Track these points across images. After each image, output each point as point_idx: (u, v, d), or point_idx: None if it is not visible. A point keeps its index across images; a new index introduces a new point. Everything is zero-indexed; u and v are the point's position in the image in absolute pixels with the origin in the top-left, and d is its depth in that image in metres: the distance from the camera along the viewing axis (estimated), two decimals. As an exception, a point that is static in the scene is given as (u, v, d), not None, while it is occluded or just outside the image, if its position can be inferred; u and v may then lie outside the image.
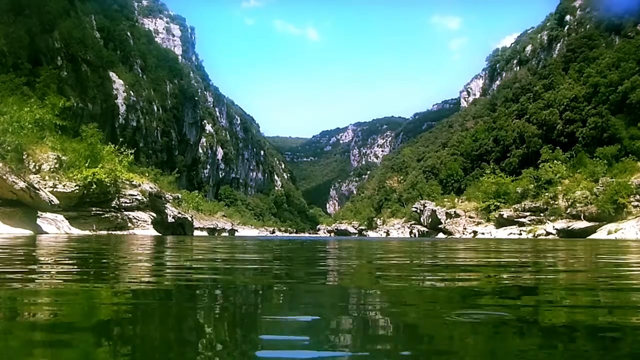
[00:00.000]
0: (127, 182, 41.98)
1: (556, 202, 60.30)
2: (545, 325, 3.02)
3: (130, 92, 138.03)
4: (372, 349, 2.47)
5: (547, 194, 63.02)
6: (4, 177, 25.65)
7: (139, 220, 40.72)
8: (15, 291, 4.15)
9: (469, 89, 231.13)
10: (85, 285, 4.67)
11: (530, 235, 55.68)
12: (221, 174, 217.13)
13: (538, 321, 3.13)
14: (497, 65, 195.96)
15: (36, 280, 4.96)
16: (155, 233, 39.98)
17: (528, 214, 63.04)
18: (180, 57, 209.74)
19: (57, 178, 34.64)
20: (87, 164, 38.03)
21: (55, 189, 33.01)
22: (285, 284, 5.24)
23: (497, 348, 2.52)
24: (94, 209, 37.98)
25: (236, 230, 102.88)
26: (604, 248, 16.46)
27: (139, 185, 43.29)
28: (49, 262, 7.61)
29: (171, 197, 52.45)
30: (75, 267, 6.90)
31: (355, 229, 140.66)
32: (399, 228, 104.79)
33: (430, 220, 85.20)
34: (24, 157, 33.42)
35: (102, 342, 2.47)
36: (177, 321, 3.11)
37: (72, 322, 2.98)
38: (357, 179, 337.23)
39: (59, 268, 6.56)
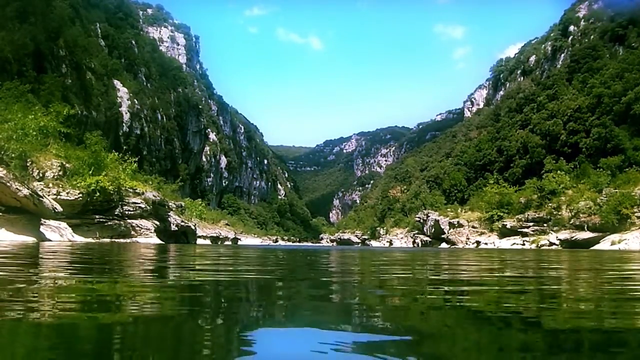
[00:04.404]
0: (131, 190, 41.97)
1: (559, 213, 60.07)
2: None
3: (134, 100, 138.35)
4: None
5: (550, 204, 62.80)
6: (8, 184, 25.68)
7: (142, 228, 40.68)
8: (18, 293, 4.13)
9: (472, 99, 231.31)
10: (86, 299, 4.65)
11: (533, 246, 55.45)
12: (224, 183, 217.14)
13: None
14: (501, 76, 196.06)
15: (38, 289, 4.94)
16: (158, 241, 39.93)
17: (531, 224, 62.78)
18: (184, 66, 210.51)
19: (60, 185, 34.66)
20: (90, 172, 38.04)
21: (58, 197, 33.03)
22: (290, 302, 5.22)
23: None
24: (97, 216, 37.95)
25: (239, 239, 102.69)
26: (612, 260, 16.37)
27: (143, 193, 43.28)
28: (51, 270, 7.59)
29: (174, 206, 52.42)
30: (80, 276, 6.89)
31: (358, 238, 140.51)
32: (402, 238, 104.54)
33: (433, 230, 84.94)
34: (27, 165, 33.44)
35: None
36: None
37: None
38: (360, 188, 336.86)
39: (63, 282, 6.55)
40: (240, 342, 2.88)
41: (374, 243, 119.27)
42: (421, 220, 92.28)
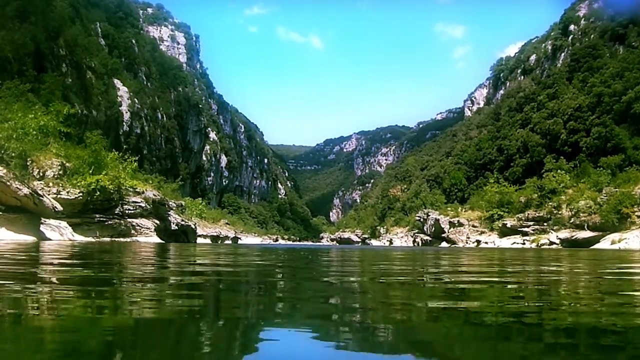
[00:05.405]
0: (131, 189, 41.89)
1: (560, 212, 60.05)
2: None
3: (135, 99, 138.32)
4: None
5: (550, 203, 62.77)
6: (8, 183, 25.66)
7: (142, 228, 40.60)
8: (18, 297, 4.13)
9: (473, 98, 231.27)
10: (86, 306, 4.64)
11: (533, 245, 55.45)
12: (225, 182, 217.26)
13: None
14: (501, 75, 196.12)
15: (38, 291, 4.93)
16: (159, 240, 39.86)
17: (531, 223, 62.77)
18: (184, 65, 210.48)
19: (60, 185, 34.63)
20: (91, 171, 38.00)
21: (59, 196, 33.01)
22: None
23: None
24: (97, 215, 37.88)
25: (239, 238, 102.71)
26: (616, 262, 16.34)
27: (143, 192, 43.21)
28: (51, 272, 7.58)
29: (174, 205, 52.32)
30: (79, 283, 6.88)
31: (359, 237, 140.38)
32: (402, 237, 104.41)
33: (433, 229, 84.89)
34: (28, 164, 33.43)
35: None
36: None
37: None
38: (360, 187, 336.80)
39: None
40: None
41: (374, 242, 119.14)
42: (421, 220, 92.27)
